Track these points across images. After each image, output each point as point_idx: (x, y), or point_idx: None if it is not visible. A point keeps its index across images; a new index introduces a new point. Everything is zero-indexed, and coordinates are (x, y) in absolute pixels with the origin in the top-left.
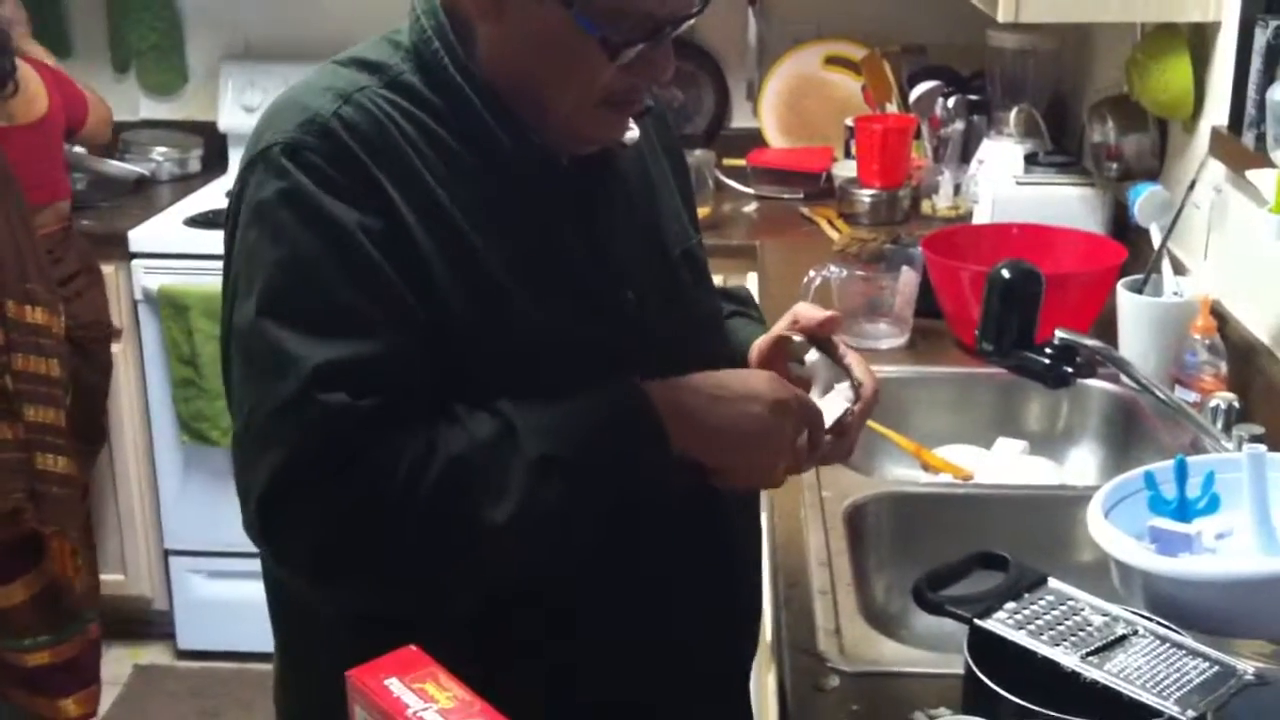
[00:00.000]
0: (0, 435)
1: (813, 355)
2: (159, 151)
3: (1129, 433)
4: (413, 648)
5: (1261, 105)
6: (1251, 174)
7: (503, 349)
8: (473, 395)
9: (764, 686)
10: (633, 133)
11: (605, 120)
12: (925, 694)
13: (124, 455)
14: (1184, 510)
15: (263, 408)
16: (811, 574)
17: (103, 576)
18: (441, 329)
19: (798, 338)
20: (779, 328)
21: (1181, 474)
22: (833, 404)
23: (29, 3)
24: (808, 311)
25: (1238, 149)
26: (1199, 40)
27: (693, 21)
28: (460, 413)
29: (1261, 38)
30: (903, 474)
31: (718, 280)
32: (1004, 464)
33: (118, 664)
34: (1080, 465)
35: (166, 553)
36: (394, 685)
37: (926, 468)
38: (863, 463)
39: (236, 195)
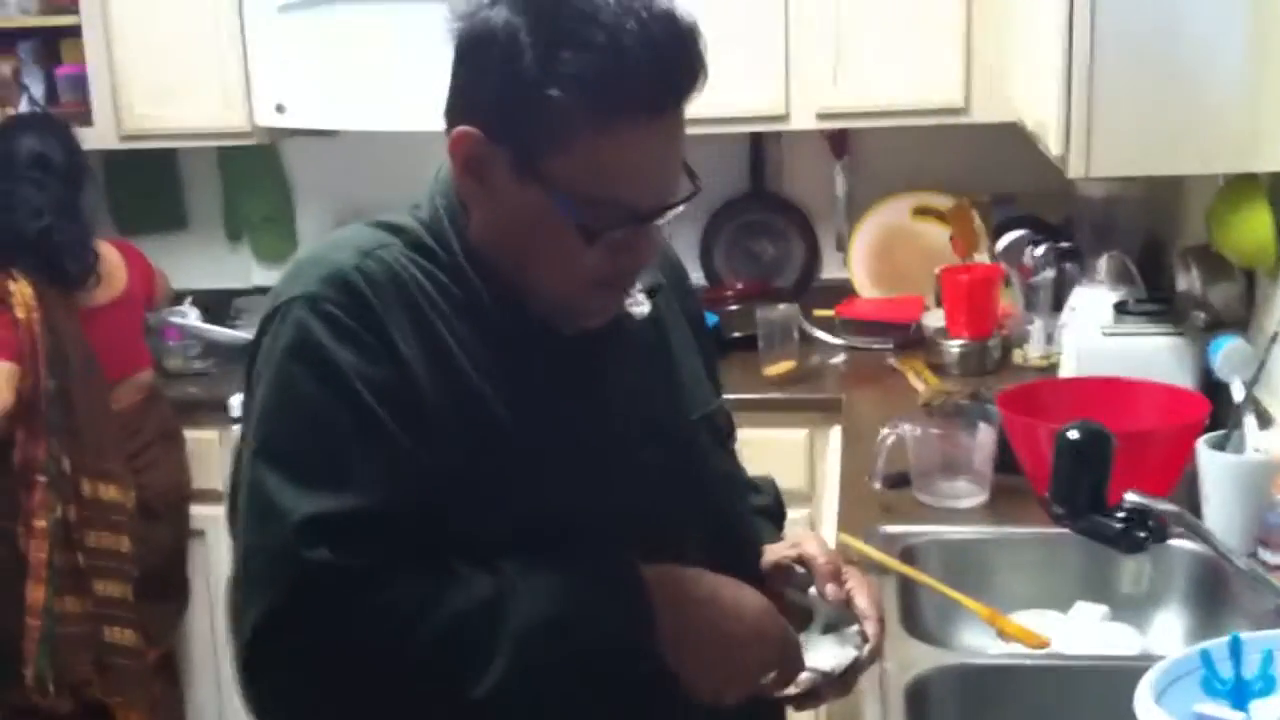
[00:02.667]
0: (70, 609)
1: (822, 605)
2: None
3: (1216, 597)
4: None
5: None
6: None
7: (506, 500)
8: (475, 546)
9: None
10: (642, 307)
11: (596, 299)
12: None
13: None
14: (1240, 691)
15: (252, 557)
16: None
17: None
18: (448, 477)
19: (802, 569)
20: (783, 553)
21: (1237, 652)
22: (837, 650)
23: (150, 181)
24: (814, 551)
25: None
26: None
27: (678, 210)
28: (461, 570)
29: None
30: (976, 641)
31: (800, 435)
32: (1083, 630)
33: None
34: (1165, 631)
35: None
36: None
37: (1001, 634)
38: (936, 629)
39: (254, 345)
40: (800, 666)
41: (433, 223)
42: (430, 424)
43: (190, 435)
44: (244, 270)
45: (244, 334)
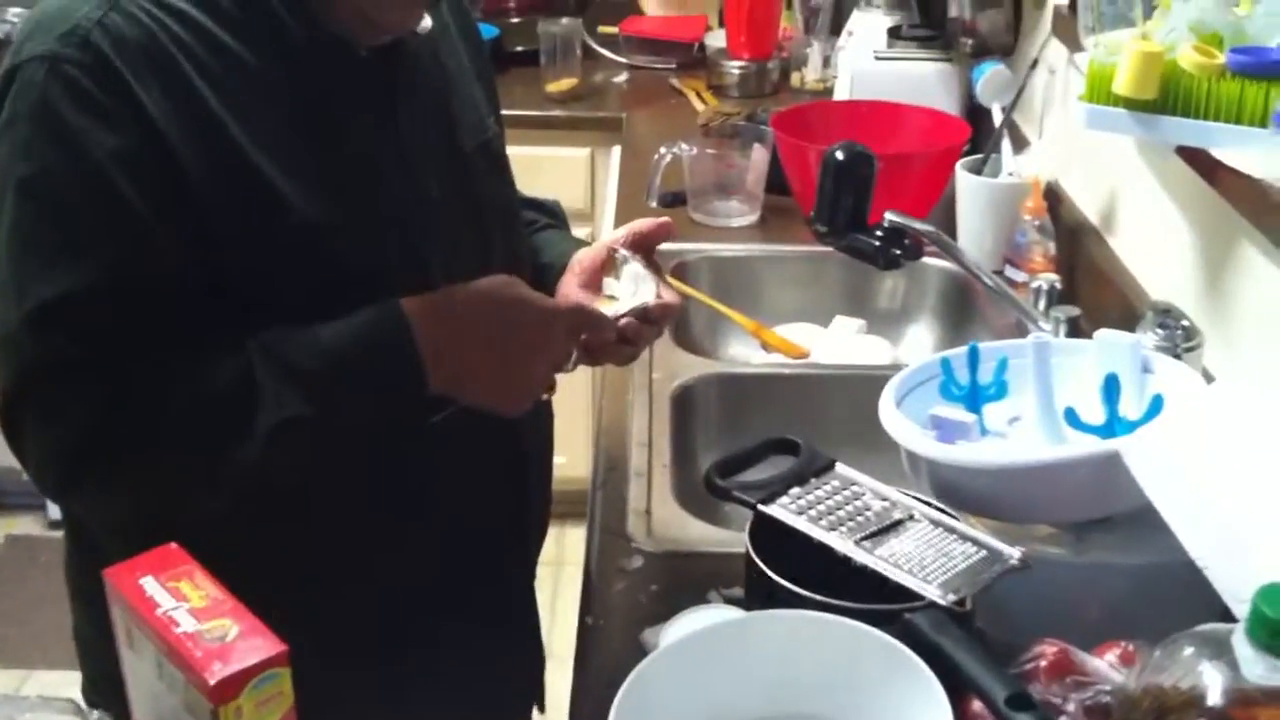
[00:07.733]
0: None
1: (632, 268)
2: None
3: (963, 311)
4: (173, 546)
5: None
6: (1079, 58)
7: (287, 260)
8: (258, 308)
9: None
10: (426, 21)
11: (395, 3)
12: (726, 573)
13: None
14: (974, 396)
15: None
16: (631, 456)
17: None
18: (215, 248)
19: (623, 252)
20: (613, 240)
21: (974, 360)
22: (638, 288)
23: None
24: (642, 224)
25: (1075, 30)
26: None
27: None
28: (207, 354)
29: None
30: (741, 353)
31: (581, 154)
32: (841, 342)
33: None
34: (915, 343)
35: None
36: (149, 584)
37: (764, 346)
38: (704, 342)
39: None
40: (607, 324)
41: None
42: (189, 196)
43: None
44: None
45: None
